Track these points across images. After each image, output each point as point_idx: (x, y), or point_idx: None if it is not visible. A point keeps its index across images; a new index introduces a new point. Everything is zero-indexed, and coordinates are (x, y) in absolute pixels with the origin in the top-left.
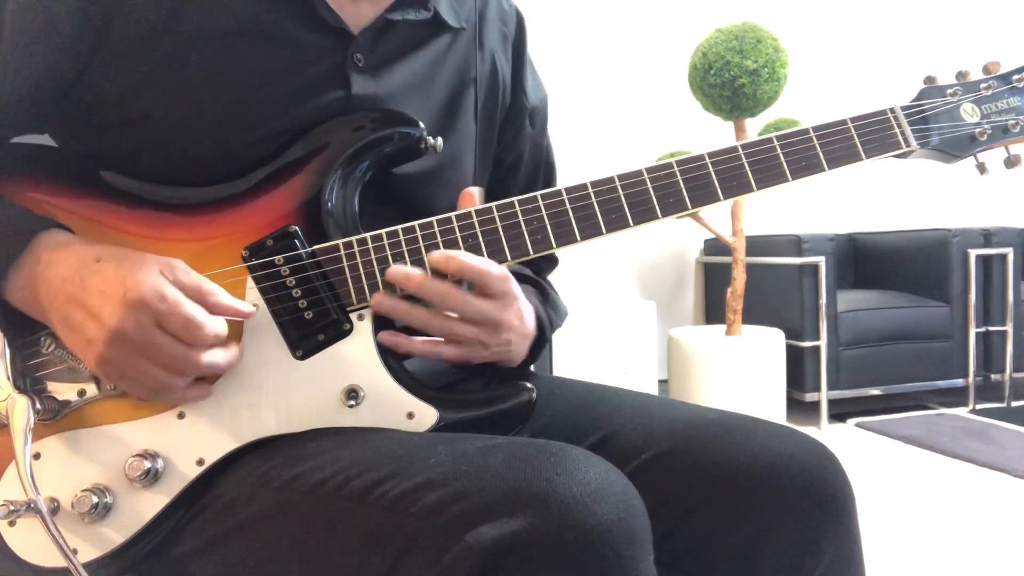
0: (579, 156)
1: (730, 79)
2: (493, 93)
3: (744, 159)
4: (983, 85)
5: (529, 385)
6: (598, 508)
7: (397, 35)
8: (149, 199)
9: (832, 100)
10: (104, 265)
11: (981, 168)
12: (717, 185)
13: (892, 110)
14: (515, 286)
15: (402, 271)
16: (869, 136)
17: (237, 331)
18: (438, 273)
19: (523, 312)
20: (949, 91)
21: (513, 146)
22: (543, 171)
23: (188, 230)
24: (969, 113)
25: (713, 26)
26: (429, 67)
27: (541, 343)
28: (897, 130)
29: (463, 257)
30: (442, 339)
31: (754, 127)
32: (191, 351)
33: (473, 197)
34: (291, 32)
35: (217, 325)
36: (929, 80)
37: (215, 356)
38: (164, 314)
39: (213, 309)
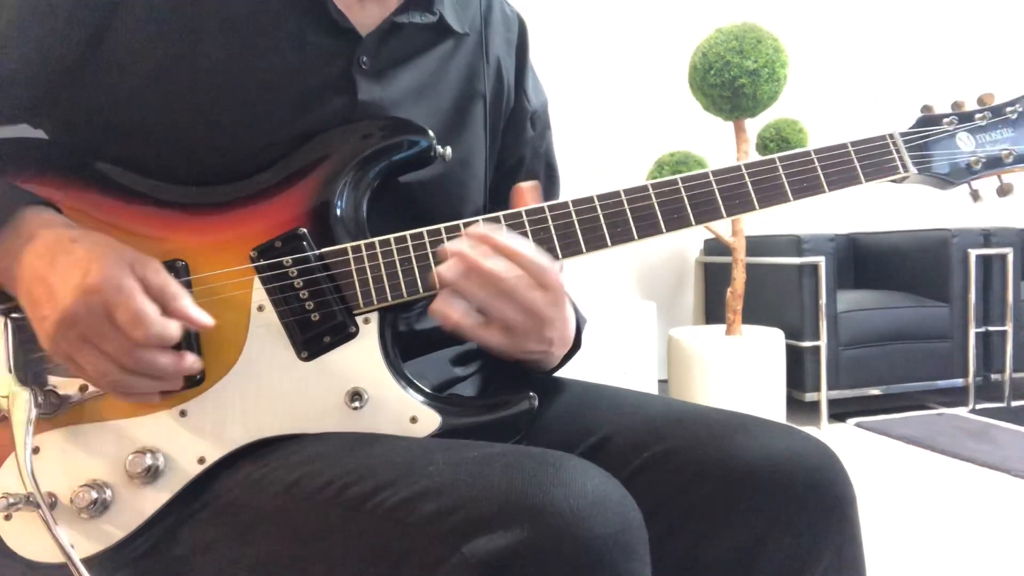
0: (580, 156)
1: (730, 79)
2: (498, 98)
3: (747, 178)
4: (978, 116)
5: (531, 393)
6: (595, 522)
7: (403, 39)
8: (155, 197)
9: (832, 100)
10: (77, 246)
11: (975, 195)
12: (720, 203)
13: (891, 136)
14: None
15: (460, 244)
16: (869, 160)
17: (243, 331)
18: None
19: (567, 315)
20: (946, 120)
21: (514, 149)
22: (543, 173)
23: (195, 230)
24: (964, 142)
25: (713, 26)
26: (434, 72)
27: (573, 352)
28: (896, 155)
29: (501, 238)
30: (488, 323)
31: (754, 127)
32: (136, 346)
33: (524, 195)
34: (300, 33)
35: (166, 326)
36: (926, 109)
37: (160, 357)
38: (115, 304)
39: (171, 313)
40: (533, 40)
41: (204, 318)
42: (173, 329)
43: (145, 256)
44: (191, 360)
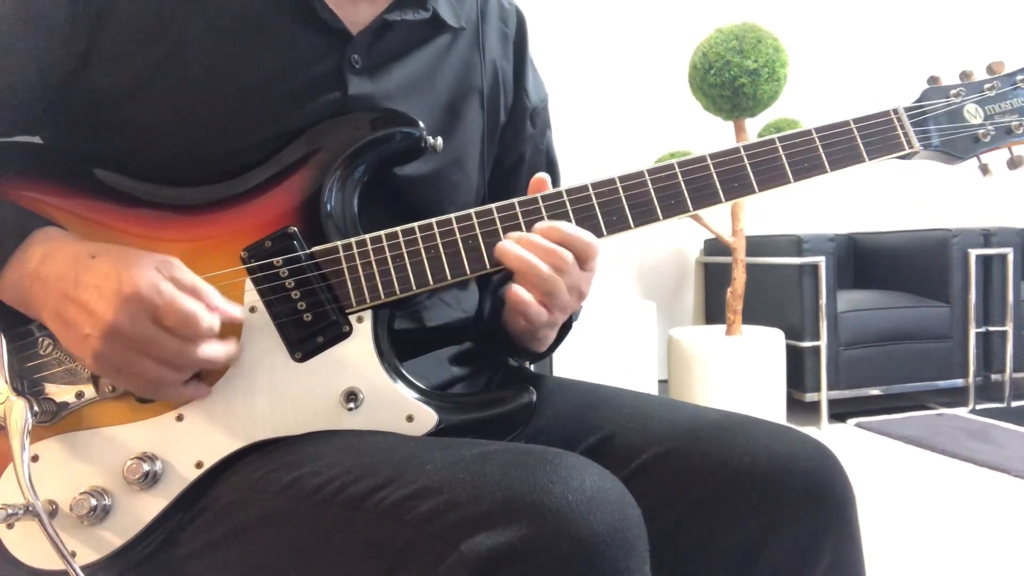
0: (579, 156)
1: (730, 79)
2: (495, 94)
3: (746, 160)
4: (987, 86)
5: (529, 387)
6: (594, 518)
7: (395, 36)
8: (145, 199)
9: (832, 100)
10: (99, 261)
11: (984, 169)
12: (719, 186)
13: (895, 111)
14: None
15: (546, 224)
16: (872, 137)
17: (236, 333)
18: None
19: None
20: (952, 92)
21: (514, 147)
22: (545, 171)
23: (185, 230)
24: (972, 114)
25: (713, 26)
26: (428, 67)
27: (564, 332)
28: (900, 131)
29: (566, 227)
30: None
31: (754, 127)
32: (187, 345)
33: (545, 183)
34: (289, 32)
35: (214, 320)
36: (932, 80)
37: (213, 349)
38: (160, 308)
39: (207, 308)
40: (534, 38)
41: (237, 311)
42: (217, 322)
43: (166, 256)
44: (235, 345)
